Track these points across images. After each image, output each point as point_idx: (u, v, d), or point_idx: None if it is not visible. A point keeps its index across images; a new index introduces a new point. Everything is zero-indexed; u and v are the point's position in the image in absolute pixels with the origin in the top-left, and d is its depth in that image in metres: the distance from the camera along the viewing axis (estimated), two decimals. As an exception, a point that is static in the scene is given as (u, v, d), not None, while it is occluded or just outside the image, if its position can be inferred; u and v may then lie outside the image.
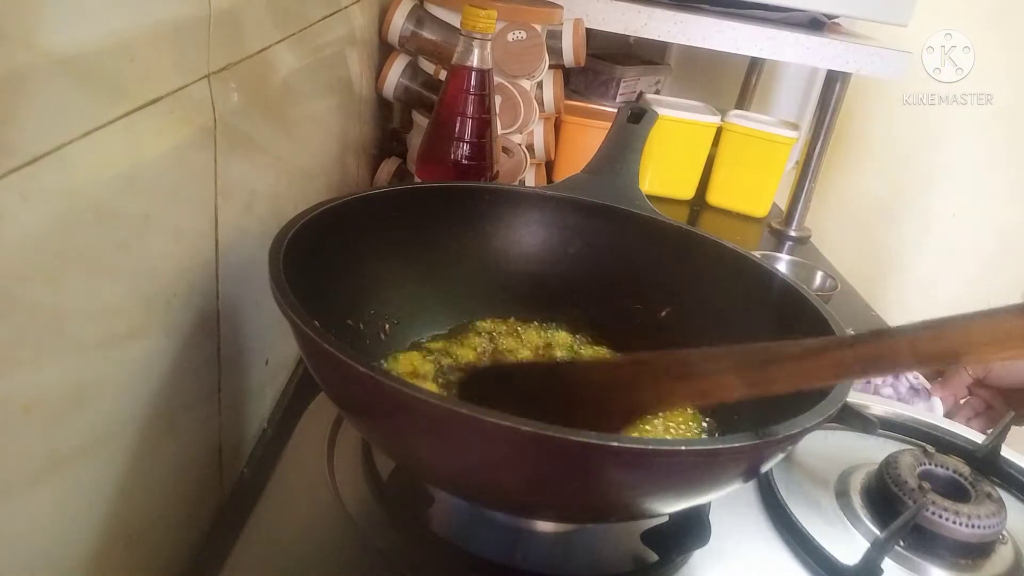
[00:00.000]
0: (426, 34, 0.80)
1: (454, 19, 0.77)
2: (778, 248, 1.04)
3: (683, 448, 0.32)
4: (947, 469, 0.51)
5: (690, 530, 0.44)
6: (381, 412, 0.37)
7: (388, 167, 0.85)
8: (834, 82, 1.00)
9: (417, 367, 0.51)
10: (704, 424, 0.50)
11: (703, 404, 0.38)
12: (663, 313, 0.55)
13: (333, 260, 0.48)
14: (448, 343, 0.54)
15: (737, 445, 0.33)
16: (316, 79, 0.59)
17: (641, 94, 1.16)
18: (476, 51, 0.61)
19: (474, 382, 0.46)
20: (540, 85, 0.86)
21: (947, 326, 0.31)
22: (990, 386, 0.69)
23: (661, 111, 0.99)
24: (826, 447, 0.55)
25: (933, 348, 0.31)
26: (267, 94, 0.47)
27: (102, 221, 0.30)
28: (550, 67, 0.85)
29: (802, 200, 1.06)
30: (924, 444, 0.57)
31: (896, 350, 0.32)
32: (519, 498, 0.38)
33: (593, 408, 0.40)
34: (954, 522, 0.46)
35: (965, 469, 0.51)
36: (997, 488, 0.51)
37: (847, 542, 0.47)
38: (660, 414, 0.50)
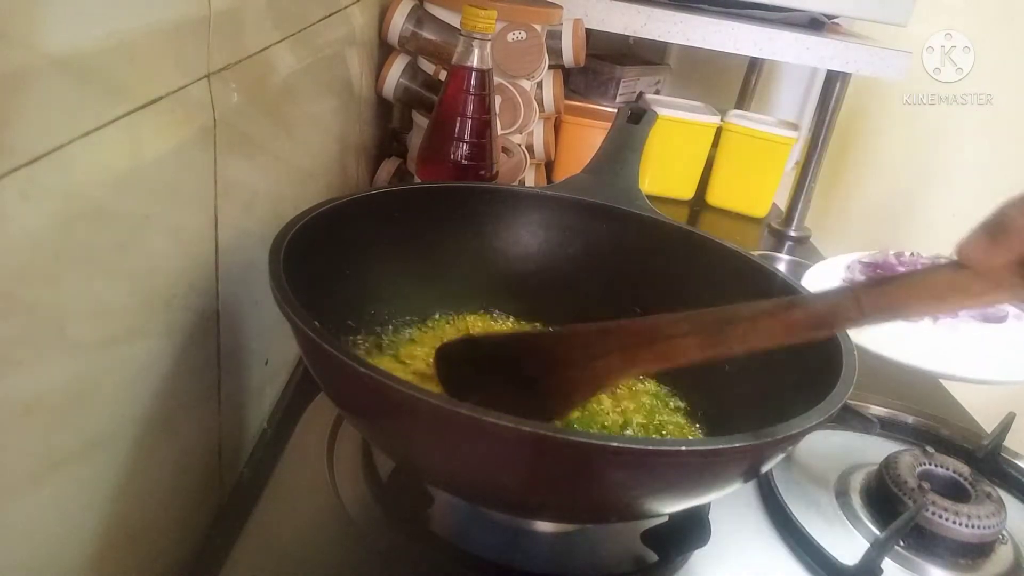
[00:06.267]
0: (426, 34, 0.80)
1: (454, 19, 0.77)
2: (778, 248, 1.04)
3: (683, 448, 0.32)
4: (947, 469, 0.51)
5: (690, 530, 0.44)
6: (381, 412, 0.37)
7: (388, 167, 0.85)
8: (834, 82, 1.00)
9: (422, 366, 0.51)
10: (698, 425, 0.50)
11: (667, 367, 0.39)
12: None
13: (333, 260, 0.48)
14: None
15: (737, 445, 0.33)
16: (316, 79, 0.59)
17: (641, 94, 1.16)
18: (476, 51, 0.61)
19: (445, 358, 0.47)
20: (540, 85, 0.86)
21: (889, 283, 0.33)
22: None
23: (661, 111, 0.99)
24: (826, 447, 0.55)
25: (878, 304, 0.33)
26: (267, 94, 0.47)
27: (102, 221, 0.30)
28: (550, 67, 0.85)
29: (802, 200, 1.06)
30: (924, 444, 0.57)
31: (844, 308, 0.34)
32: (519, 498, 0.38)
33: (561, 377, 0.41)
34: (954, 522, 0.47)
35: (965, 469, 0.51)
36: (997, 488, 0.51)
37: (847, 542, 0.47)
38: (633, 379, 0.52)
